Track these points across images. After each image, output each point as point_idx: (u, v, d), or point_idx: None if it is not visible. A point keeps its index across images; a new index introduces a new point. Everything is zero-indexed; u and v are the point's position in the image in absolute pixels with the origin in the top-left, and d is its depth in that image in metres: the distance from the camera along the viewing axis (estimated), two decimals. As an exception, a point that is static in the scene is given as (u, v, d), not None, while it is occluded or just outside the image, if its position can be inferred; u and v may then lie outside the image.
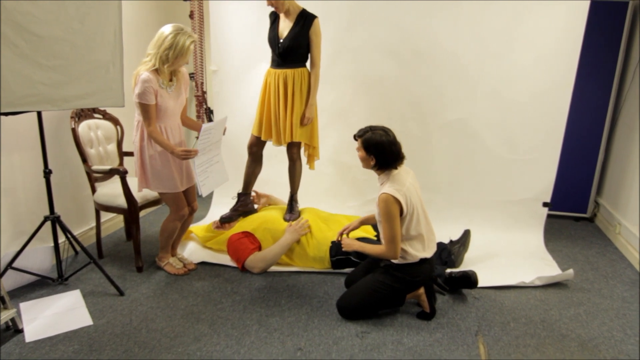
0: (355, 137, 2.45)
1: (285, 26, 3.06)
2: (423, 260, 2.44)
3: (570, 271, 2.93)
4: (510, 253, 3.31)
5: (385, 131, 2.39)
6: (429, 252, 2.47)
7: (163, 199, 2.92)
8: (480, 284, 2.74)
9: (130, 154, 3.15)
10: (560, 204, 4.05)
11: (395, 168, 2.40)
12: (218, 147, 2.88)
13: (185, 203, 2.93)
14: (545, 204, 3.59)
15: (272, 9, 3.12)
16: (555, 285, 2.91)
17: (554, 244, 3.58)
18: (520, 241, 3.49)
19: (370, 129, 2.40)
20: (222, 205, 3.91)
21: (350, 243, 2.58)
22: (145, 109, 2.59)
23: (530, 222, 3.62)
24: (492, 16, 3.39)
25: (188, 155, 2.64)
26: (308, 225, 2.98)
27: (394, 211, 2.29)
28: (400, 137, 2.43)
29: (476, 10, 3.40)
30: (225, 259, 3.19)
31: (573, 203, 4.09)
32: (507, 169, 3.63)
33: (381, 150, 2.34)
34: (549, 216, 3.68)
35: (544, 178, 3.56)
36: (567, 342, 2.32)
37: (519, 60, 3.43)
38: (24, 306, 2.57)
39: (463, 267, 3.05)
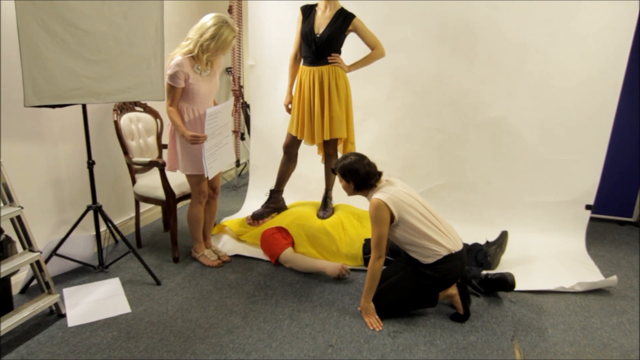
0: (334, 171, 2.55)
1: (322, 21, 3.04)
2: (451, 257, 2.40)
3: (614, 277, 2.82)
4: (549, 256, 3.20)
5: (358, 155, 2.50)
6: (450, 245, 2.42)
7: (188, 182, 2.95)
8: (517, 288, 2.67)
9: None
10: (604, 206, 3.89)
11: (375, 185, 2.48)
12: (227, 129, 2.92)
13: (207, 186, 2.96)
14: (588, 207, 3.45)
15: (304, 3, 3.13)
16: (596, 291, 2.80)
17: (597, 248, 3.44)
18: (560, 244, 3.37)
19: (343, 157, 2.52)
20: (256, 199, 3.96)
21: (367, 310, 2.47)
22: (171, 90, 2.67)
23: (572, 225, 3.49)
24: (536, 11, 3.27)
25: (196, 140, 2.65)
26: (349, 272, 2.96)
27: (382, 216, 2.36)
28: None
29: (518, 5, 3.29)
30: (258, 253, 3.22)
31: (618, 206, 3.92)
32: (548, 169, 3.50)
33: (356, 172, 2.44)
34: (591, 219, 3.54)
35: (587, 179, 3.43)
36: (609, 352, 2.23)
37: (564, 57, 3.30)
38: (67, 292, 2.68)
39: (499, 270, 2.97)
